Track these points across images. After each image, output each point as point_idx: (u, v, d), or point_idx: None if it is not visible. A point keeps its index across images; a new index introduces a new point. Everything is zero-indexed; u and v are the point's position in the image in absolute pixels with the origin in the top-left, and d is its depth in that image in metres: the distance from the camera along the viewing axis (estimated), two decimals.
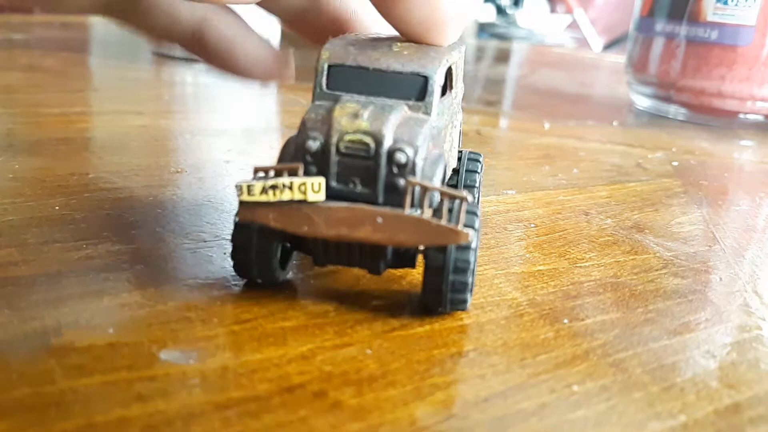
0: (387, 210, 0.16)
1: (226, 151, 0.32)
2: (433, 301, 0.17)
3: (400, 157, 0.16)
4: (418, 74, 0.17)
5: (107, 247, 0.20)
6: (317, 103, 0.17)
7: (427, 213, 0.16)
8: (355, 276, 0.19)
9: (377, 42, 0.18)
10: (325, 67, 0.17)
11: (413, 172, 0.16)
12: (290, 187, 0.15)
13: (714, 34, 0.48)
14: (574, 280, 0.21)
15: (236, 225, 0.17)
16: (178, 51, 0.60)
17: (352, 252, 0.17)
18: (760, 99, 0.48)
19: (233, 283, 0.18)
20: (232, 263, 0.18)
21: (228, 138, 0.35)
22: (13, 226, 0.21)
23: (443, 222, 0.16)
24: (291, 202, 0.16)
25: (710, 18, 0.48)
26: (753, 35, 0.47)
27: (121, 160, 0.29)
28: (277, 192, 0.16)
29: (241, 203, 0.16)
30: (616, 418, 0.14)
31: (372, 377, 0.15)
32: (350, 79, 0.17)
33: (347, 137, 0.16)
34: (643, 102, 0.55)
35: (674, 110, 0.52)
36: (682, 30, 0.49)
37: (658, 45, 0.51)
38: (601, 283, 0.21)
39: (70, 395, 0.13)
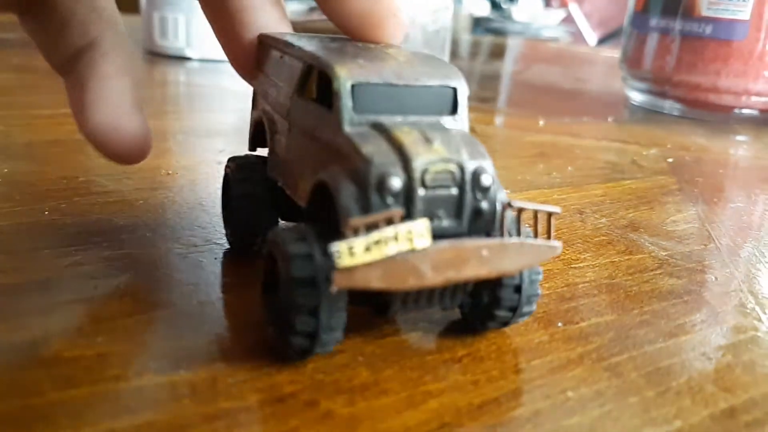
0: (489, 241, 0.14)
1: (218, 152, 0.32)
2: (503, 320, 0.16)
3: (486, 180, 0.14)
4: (446, 86, 0.16)
5: (97, 253, 0.20)
6: (353, 130, 0.15)
7: (524, 234, 0.15)
8: None
9: (362, 48, 0.17)
10: (349, 87, 0.15)
11: (494, 193, 0.15)
12: (396, 238, 0.13)
13: (708, 29, 0.48)
14: (569, 281, 0.21)
15: (297, 304, 0.14)
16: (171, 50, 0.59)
17: (433, 293, 0.15)
18: (755, 94, 0.48)
19: (224, 289, 0.18)
20: (288, 346, 0.15)
21: (221, 138, 0.35)
22: (1, 233, 0.21)
23: (541, 241, 0.15)
24: (396, 254, 0.13)
25: (704, 13, 0.48)
26: (747, 30, 0.47)
27: (112, 163, 0.29)
28: (382, 246, 0.13)
29: (338, 270, 0.13)
30: (611, 425, 0.14)
31: (364, 385, 0.14)
32: (377, 98, 0.15)
33: (433, 168, 0.14)
34: (638, 97, 0.55)
35: (669, 106, 0.52)
36: (677, 25, 0.49)
37: (652, 40, 0.51)
38: (596, 285, 0.21)
39: (58, 407, 0.13)
